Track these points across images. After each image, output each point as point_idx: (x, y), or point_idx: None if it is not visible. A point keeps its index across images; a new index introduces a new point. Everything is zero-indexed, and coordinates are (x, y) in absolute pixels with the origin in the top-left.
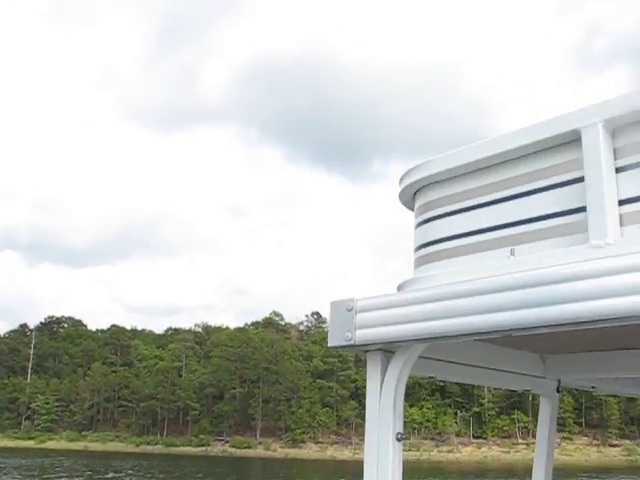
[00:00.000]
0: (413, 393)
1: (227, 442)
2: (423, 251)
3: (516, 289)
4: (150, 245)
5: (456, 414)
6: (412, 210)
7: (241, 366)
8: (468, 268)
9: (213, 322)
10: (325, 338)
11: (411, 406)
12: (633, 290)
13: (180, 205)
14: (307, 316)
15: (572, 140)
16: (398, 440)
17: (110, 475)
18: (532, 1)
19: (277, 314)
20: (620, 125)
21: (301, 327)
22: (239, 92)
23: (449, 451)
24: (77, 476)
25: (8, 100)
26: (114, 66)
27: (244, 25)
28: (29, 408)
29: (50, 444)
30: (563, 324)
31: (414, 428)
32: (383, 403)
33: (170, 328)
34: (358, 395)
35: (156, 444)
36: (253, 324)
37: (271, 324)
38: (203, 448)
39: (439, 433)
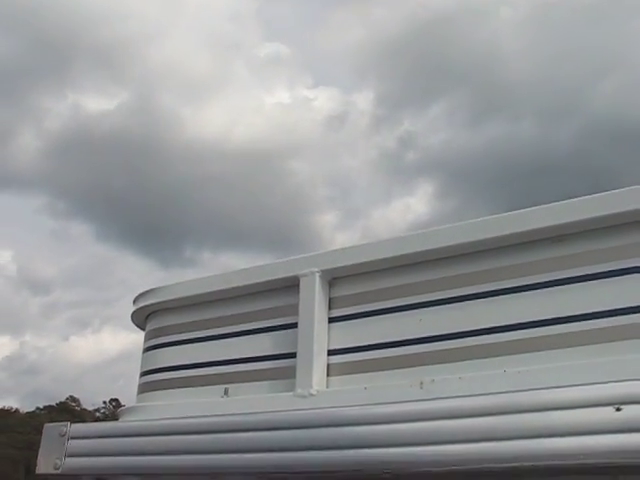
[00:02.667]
0: None
1: None
2: (147, 378)
3: (227, 432)
4: None
5: None
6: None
7: (29, 455)
8: (187, 402)
9: None
10: None
11: None
12: (332, 444)
13: None
14: (105, 402)
15: (291, 286)
16: None
17: None
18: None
19: (74, 399)
20: (336, 276)
21: (97, 414)
22: (52, 162)
23: None
24: None
25: None
26: None
27: (70, 92)
28: None
29: None
30: (271, 472)
31: None
32: None
33: None
34: None
35: None
36: (46, 408)
37: (66, 409)
38: None
39: None
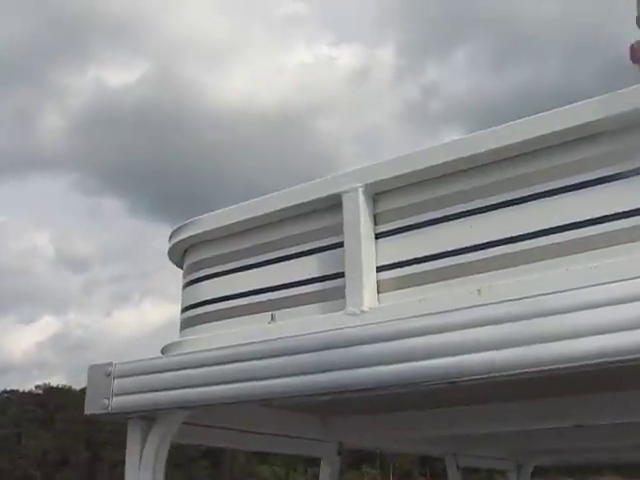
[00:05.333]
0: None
1: None
2: (189, 313)
3: (277, 356)
4: None
5: (306, 470)
6: (182, 269)
7: (87, 429)
8: (231, 332)
9: (47, 381)
10: None
11: (261, 464)
12: (388, 359)
13: (12, 256)
14: None
15: (333, 205)
16: None
17: None
18: (375, 59)
19: None
20: (381, 191)
21: None
22: (79, 139)
23: None
24: None
25: None
26: None
27: (90, 68)
28: None
29: None
30: (323, 393)
31: None
32: (143, 474)
33: (5, 390)
34: (209, 454)
35: None
36: None
37: None
38: None
39: None
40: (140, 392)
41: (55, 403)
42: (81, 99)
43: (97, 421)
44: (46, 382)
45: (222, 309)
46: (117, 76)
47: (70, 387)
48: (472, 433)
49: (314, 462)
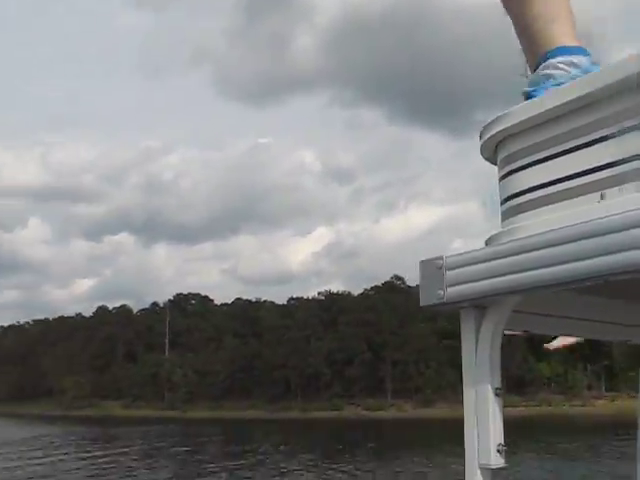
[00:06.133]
0: (539, 349)
1: (359, 405)
2: (509, 204)
3: (608, 234)
4: (257, 216)
5: (586, 368)
6: (494, 164)
7: (368, 331)
8: (557, 217)
9: (327, 287)
10: None
11: (539, 361)
12: None
13: (283, 174)
14: None
15: None
16: (497, 395)
17: (251, 439)
18: None
19: (398, 277)
20: None
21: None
22: (330, 54)
23: (582, 405)
24: (218, 440)
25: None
26: (204, 42)
27: None
28: (169, 381)
29: (191, 414)
30: None
31: (544, 383)
32: (479, 360)
33: (292, 298)
34: None
35: (290, 410)
36: (373, 288)
37: (393, 288)
38: (337, 412)
39: (569, 387)
40: (472, 281)
41: (337, 307)
42: (328, 15)
43: (375, 323)
44: (326, 289)
45: (544, 195)
46: None
47: (349, 292)
48: None
49: (593, 360)
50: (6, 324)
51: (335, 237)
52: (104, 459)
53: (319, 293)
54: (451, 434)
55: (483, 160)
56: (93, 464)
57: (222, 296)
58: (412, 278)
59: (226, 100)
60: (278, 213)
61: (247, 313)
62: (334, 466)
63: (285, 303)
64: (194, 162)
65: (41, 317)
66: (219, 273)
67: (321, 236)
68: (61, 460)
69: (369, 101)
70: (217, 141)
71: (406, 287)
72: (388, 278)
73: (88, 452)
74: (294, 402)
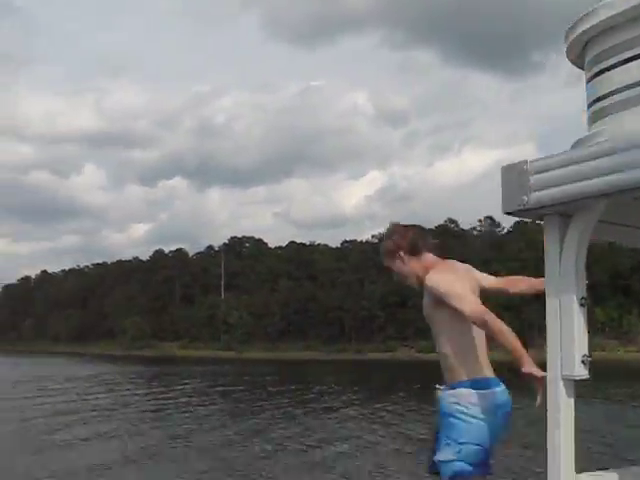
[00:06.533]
0: (594, 292)
1: (413, 347)
2: (597, 105)
3: None
4: (310, 159)
5: None
6: (580, 67)
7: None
8: None
9: (378, 231)
10: (501, 242)
11: (594, 305)
12: None
13: (336, 117)
14: (480, 220)
15: None
16: (582, 305)
17: (305, 379)
18: None
19: (452, 220)
20: None
21: (474, 232)
22: None
23: (637, 350)
24: (273, 380)
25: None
26: None
27: None
28: (225, 323)
29: (247, 355)
30: None
31: (598, 328)
32: (564, 268)
33: (345, 241)
34: (539, 299)
35: (345, 352)
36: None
37: (447, 231)
38: (390, 353)
39: (625, 332)
40: (557, 185)
41: None
42: None
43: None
44: (379, 232)
45: (636, 95)
46: None
47: None
48: None
49: None
50: (67, 268)
51: (388, 180)
52: (162, 395)
53: (372, 236)
54: (505, 376)
55: (539, 102)
56: (152, 399)
57: (276, 239)
58: (466, 221)
59: (276, 42)
60: (331, 156)
61: (301, 256)
62: (378, 405)
63: (339, 246)
64: (246, 105)
65: (100, 261)
66: (272, 216)
67: (374, 179)
68: (122, 396)
69: (421, 42)
70: (268, 84)
71: (460, 230)
72: (442, 222)
73: (147, 389)
74: (349, 344)
